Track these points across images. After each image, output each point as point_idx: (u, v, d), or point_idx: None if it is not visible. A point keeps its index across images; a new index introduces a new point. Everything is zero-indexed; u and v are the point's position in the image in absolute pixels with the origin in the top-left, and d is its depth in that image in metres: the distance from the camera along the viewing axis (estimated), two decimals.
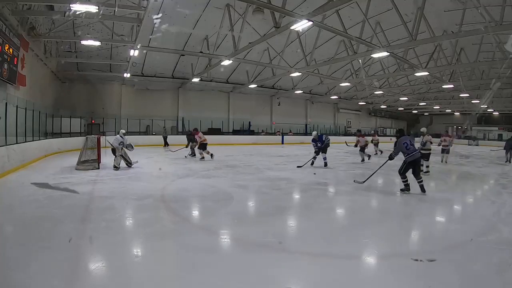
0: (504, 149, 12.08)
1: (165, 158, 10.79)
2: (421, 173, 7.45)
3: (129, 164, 8.15)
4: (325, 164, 8.97)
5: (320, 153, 9.07)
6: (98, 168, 7.75)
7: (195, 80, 17.52)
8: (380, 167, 6.40)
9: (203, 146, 10.27)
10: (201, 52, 13.75)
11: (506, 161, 11.68)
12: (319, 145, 9.02)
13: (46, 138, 11.29)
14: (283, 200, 5.16)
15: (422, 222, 4.00)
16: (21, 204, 4.38)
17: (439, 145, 10.52)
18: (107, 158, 8.96)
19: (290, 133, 25.55)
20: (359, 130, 12.26)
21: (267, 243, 3.09)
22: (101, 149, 8.63)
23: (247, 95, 23.43)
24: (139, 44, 11.17)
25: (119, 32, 12.26)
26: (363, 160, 10.89)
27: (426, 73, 15.10)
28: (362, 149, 10.92)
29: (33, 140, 9.19)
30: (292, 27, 9.25)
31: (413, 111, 36.38)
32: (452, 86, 17.79)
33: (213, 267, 2.53)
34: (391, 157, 5.80)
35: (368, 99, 28.28)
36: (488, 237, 3.39)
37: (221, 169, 8.32)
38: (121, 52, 14.75)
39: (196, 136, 10.45)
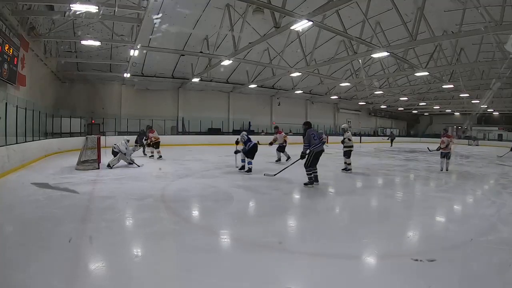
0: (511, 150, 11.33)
1: (164, 158, 10.77)
2: (343, 170, 8.15)
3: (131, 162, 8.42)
4: (249, 170, 7.63)
5: (246, 157, 7.75)
6: (98, 168, 7.75)
7: (195, 80, 17.52)
8: (292, 164, 6.57)
9: (156, 145, 10.53)
10: (201, 52, 13.76)
11: None
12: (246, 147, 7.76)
13: (46, 138, 11.29)
14: (283, 200, 5.16)
15: (422, 222, 3.99)
16: (21, 204, 4.38)
17: (438, 149, 8.73)
18: (107, 158, 8.96)
19: (290, 133, 25.52)
20: (276, 127, 10.59)
21: (267, 243, 3.09)
22: (101, 149, 8.63)
23: (247, 95, 23.42)
24: (139, 44, 11.17)
25: (119, 32, 12.26)
26: (278, 160, 9.88)
27: (426, 73, 15.10)
28: (280, 148, 9.92)
29: (33, 140, 9.18)
30: (292, 27, 9.25)
31: (413, 111, 36.38)
32: (452, 86, 17.79)
33: (213, 267, 2.53)
34: (303, 156, 5.94)
35: (368, 99, 28.29)
36: (488, 237, 3.39)
37: (221, 169, 8.31)
38: (121, 52, 14.75)
39: (150, 134, 10.65)
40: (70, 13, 8.66)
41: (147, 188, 5.59)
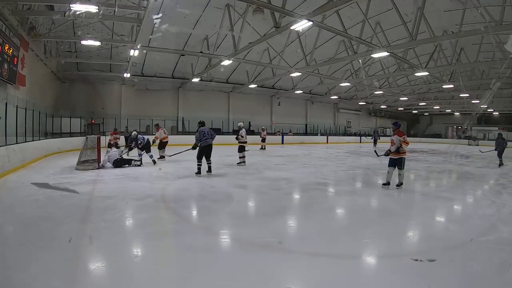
0: (496, 149, 10.51)
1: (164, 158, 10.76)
2: (238, 164, 8.96)
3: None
4: (154, 162, 8.85)
5: (145, 152, 8.99)
6: (98, 168, 7.75)
7: (195, 80, 17.52)
8: (186, 150, 7.76)
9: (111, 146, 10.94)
10: (201, 52, 13.76)
11: (500, 165, 10.15)
12: (139, 143, 9.05)
13: (46, 138, 11.29)
14: (283, 200, 5.16)
15: (422, 222, 4.00)
16: (21, 204, 4.38)
17: (387, 153, 5.89)
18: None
19: (290, 133, 25.55)
20: (156, 124, 10.99)
21: (267, 243, 3.09)
22: (101, 149, 8.63)
23: (247, 95, 23.43)
24: (139, 44, 11.17)
25: (119, 32, 12.26)
26: (162, 157, 9.87)
27: (426, 73, 15.10)
28: (161, 146, 10.10)
29: (33, 140, 9.18)
30: (292, 27, 9.25)
31: (413, 111, 36.38)
32: (452, 86, 17.80)
33: (213, 267, 2.53)
34: (194, 147, 7.19)
35: (368, 99, 28.28)
36: (488, 237, 3.39)
37: (221, 169, 8.31)
38: (121, 52, 14.76)
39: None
40: (70, 13, 8.67)
41: (147, 188, 5.59)
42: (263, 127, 18.30)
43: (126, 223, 3.83)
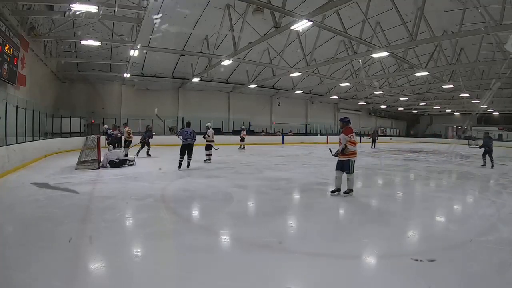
0: (482, 147, 9.95)
1: (164, 158, 10.77)
2: (205, 161, 9.50)
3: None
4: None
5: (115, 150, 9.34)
6: (98, 168, 7.76)
7: (195, 80, 17.52)
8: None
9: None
10: (201, 52, 13.76)
11: (482, 165, 9.89)
12: (109, 139, 10.25)
13: (46, 138, 11.28)
14: (283, 200, 5.16)
15: (422, 222, 4.00)
16: (21, 204, 4.38)
17: (336, 154, 5.15)
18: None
19: (290, 133, 25.55)
20: (125, 123, 11.63)
21: (267, 243, 3.09)
22: (101, 149, 8.63)
23: (247, 95, 23.42)
24: (139, 44, 11.17)
25: (119, 32, 12.25)
26: (126, 155, 9.82)
27: (426, 73, 15.11)
28: (126, 144, 10.41)
29: (33, 140, 9.18)
30: (292, 27, 9.25)
31: (413, 111, 36.38)
32: (452, 86, 17.80)
33: (213, 267, 2.53)
34: (176, 134, 8.29)
35: (368, 99, 28.27)
36: (488, 237, 3.39)
37: (221, 169, 8.32)
38: (121, 52, 14.75)
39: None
40: (70, 13, 8.67)
41: (147, 188, 5.59)
42: (242, 127, 18.44)
43: (126, 223, 3.83)
